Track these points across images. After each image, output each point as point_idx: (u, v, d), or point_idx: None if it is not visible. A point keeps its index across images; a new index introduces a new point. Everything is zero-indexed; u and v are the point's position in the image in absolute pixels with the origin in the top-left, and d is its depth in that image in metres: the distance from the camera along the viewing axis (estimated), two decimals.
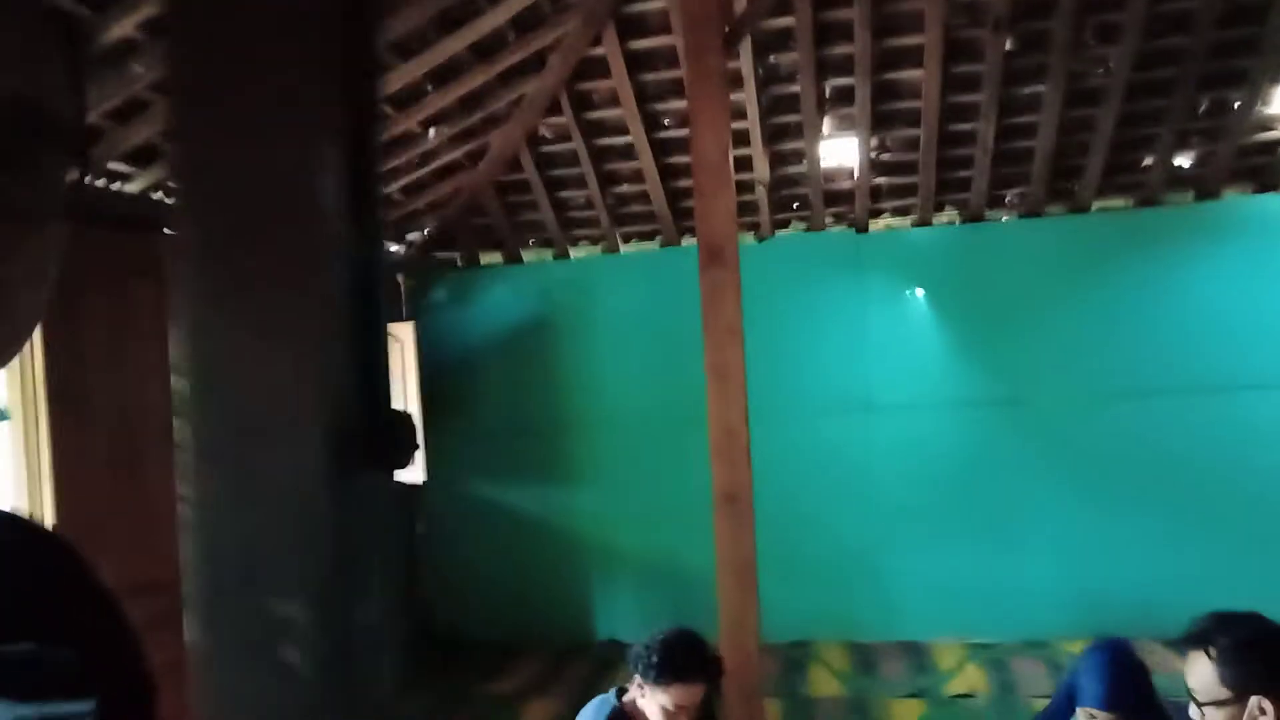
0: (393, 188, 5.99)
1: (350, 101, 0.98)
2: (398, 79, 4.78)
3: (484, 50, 5.01)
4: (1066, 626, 6.09)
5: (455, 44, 4.75)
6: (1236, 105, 5.50)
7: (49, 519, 3.90)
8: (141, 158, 4.49)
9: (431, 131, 5.53)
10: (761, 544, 6.60)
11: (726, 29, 4.17)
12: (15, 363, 3.88)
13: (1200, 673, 1.83)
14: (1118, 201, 6.29)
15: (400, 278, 7.24)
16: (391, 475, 1.08)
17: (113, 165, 4.36)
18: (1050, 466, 6.36)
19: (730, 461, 4.23)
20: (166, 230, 4.70)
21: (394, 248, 7.10)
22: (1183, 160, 5.93)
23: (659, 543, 6.77)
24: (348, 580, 0.92)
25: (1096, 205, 6.30)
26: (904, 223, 6.58)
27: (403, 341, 6.55)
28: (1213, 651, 1.81)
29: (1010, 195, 6.34)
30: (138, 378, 4.35)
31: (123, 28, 3.52)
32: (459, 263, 7.31)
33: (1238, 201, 6.12)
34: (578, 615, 7.09)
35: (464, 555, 7.20)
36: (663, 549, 6.70)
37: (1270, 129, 5.69)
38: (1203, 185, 6.07)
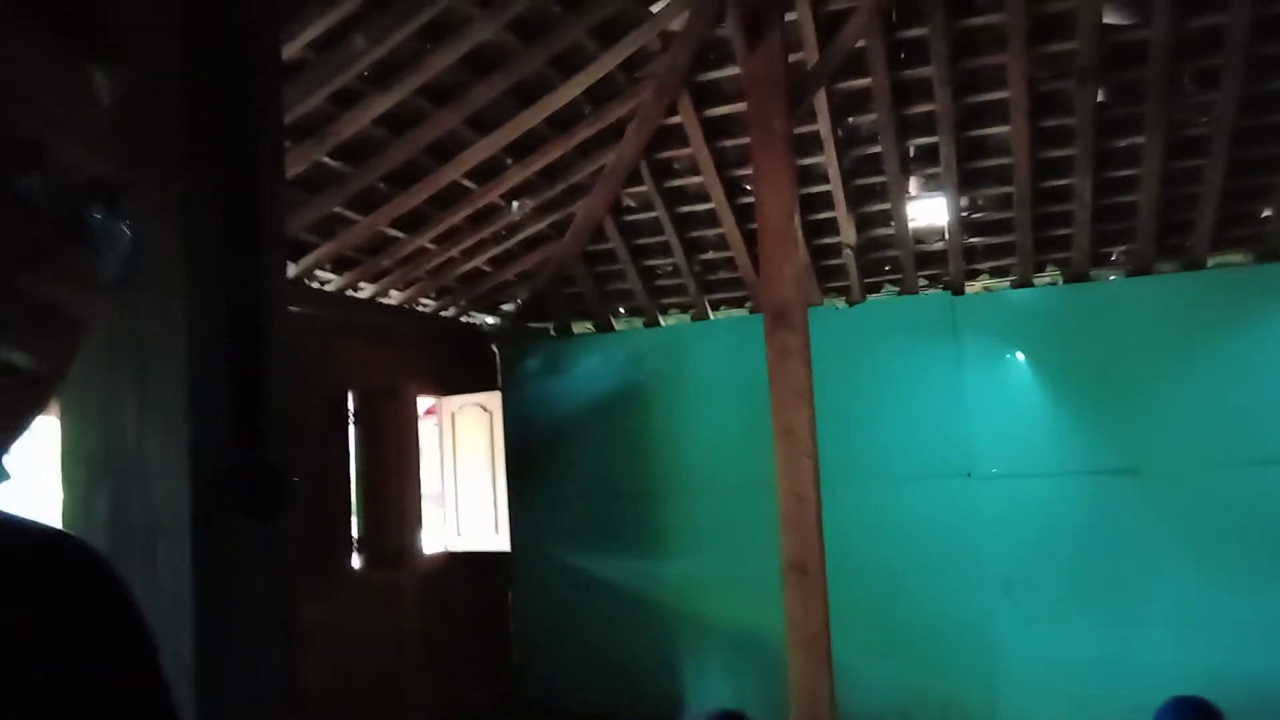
0: (480, 260, 6.14)
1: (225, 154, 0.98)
2: (476, 154, 4.93)
3: (561, 123, 5.12)
4: None
5: (533, 116, 4.86)
6: None
7: None
8: None
9: (515, 204, 5.65)
10: (858, 616, 6.40)
11: (791, 93, 4.15)
12: None
13: None
14: (1235, 256, 5.90)
15: (495, 348, 7.39)
16: (267, 522, 1.06)
17: None
18: (1167, 539, 5.91)
19: (799, 530, 4.09)
20: None
21: (489, 319, 7.26)
22: None
23: (747, 612, 6.56)
24: (203, 629, 0.89)
25: (1212, 261, 5.93)
26: (1002, 284, 6.33)
27: (491, 411, 6.64)
28: None
29: (1116, 253, 6.03)
30: None
31: None
32: (552, 332, 7.41)
33: None
34: (666, 686, 6.92)
35: (551, 623, 7.16)
36: (751, 618, 6.49)
37: None
38: None
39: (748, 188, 5.92)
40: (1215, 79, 4.84)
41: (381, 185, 4.89)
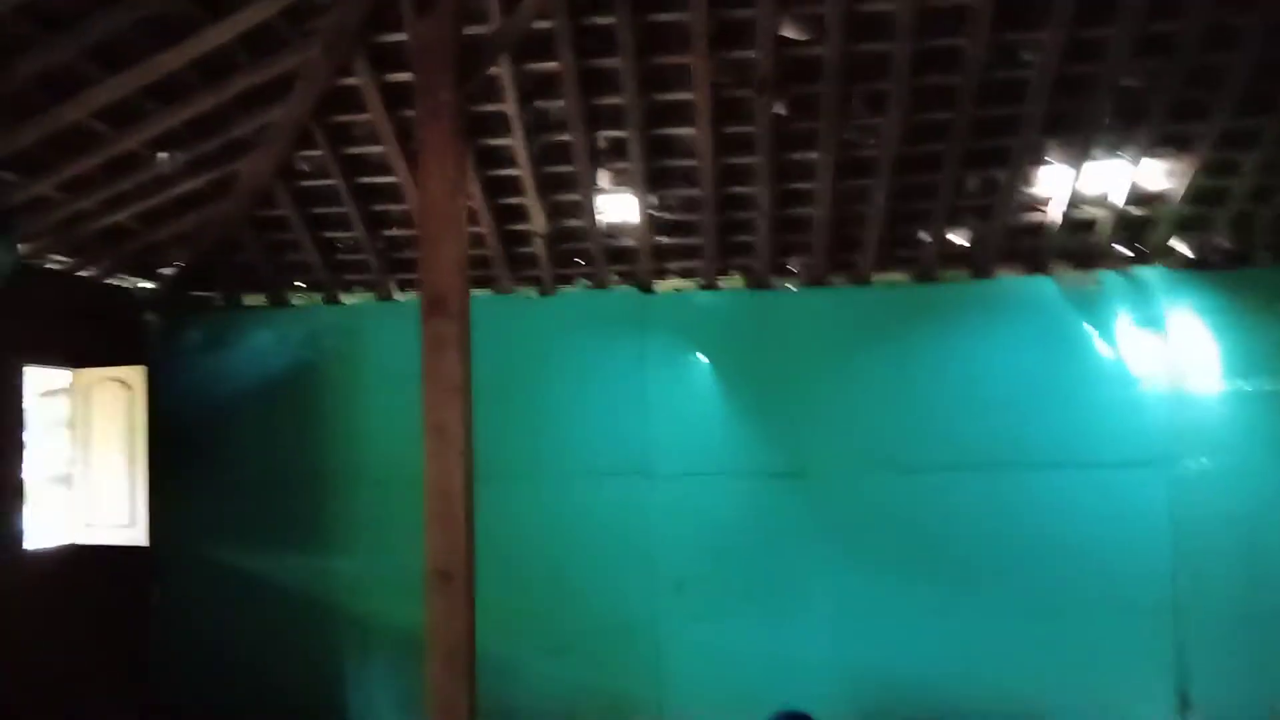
0: (122, 215, 5.39)
1: None
2: (104, 93, 4.26)
3: (213, 70, 4.53)
4: (840, 702, 5.89)
5: (175, 58, 4.26)
6: (1000, 184, 5.54)
7: None
8: None
9: (161, 155, 4.98)
10: (528, 617, 6.26)
11: (463, 64, 3.86)
12: None
13: None
14: (898, 275, 6.27)
15: (148, 316, 6.57)
16: None
17: None
18: (827, 539, 6.20)
19: (446, 535, 3.83)
20: None
21: (142, 284, 6.44)
22: (957, 238, 5.95)
23: (419, 614, 6.24)
24: None
25: (877, 278, 6.27)
26: (691, 285, 6.39)
27: (135, 388, 5.87)
28: None
29: (794, 263, 6.23)
30: None
31: None
32: (219, 303, 6.70)
33: (1010, 282, 6.19)
34: (328, 695, 6.45)
35: (199, 624, 6.47)
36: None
37: (1035, 210, 5.77)
38: (976, 264, 6.12)
39: None
40: (883, 104, 5.06)
41: None
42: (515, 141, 5.31)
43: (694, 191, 5.66)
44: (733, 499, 6.29)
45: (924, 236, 5.95)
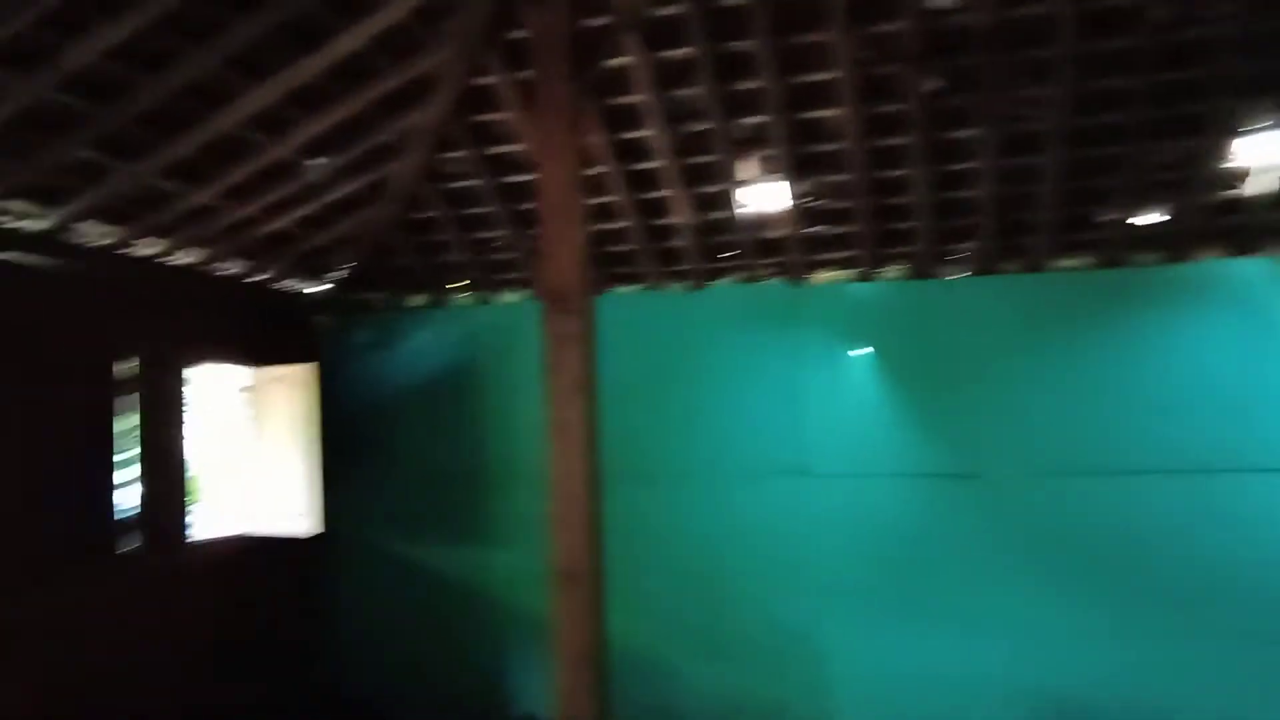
0: (283, 222, 5.62)
1: None
2: (251, 102, 4.42)
3: (351, 75, 4.62)
4: None
5: (314, 64, 4.36)
6: (1196, 156, 4.92)
7: None
8: None
9: (312, 162, 5.15)
10: (685, 619, 6.11)
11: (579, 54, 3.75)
12: None
13: None
14: (1076, 261, 5.71)
15: (316, 319, 6.88)
16: None
17: None
18: (1004, 548, 5.74)
19: (570, 534, 3.73)
20: None
21: (312, 288, 6.75)
22: (1145, 217, 5.34)
23: None
24: None
25: (1053, 264, 5.73)
26: (846, 277, 6.05)
27: (304, 384, 6.14)
28: None
29: (959, 250, 5.79)
30: None
31: None
32: (383, 304, 6.93)
33: (1211, 265, 5.52)
34: (491, 687, 6.55)
35: (369, 613, 6.72)
36: None
37: (1237, 183, 5.09)
38: (1171, 245, 5.48)
39: None
40: (1048, 72, 4.58)
41: (136, 129, 4.34)
42: (655, 133, 5.16)
43: (843, 177, 5.33)
44: (896, 502, 5.92)
45: (1107, 217, 5.38)
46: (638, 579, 6.18)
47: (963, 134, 4.99)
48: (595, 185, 5.60)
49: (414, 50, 4.67)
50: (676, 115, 5.10)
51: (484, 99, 5.15)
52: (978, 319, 5.82)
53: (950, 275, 5.89)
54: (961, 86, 4.71)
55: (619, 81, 4.88)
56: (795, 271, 6.04)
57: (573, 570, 3.75)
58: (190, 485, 5.67)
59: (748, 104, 4.97)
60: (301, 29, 4.21)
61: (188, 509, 5.56)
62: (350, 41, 4.31)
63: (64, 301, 4.90)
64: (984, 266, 5.80)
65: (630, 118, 5.14)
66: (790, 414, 6.07)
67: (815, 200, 5.56)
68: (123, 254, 5.18)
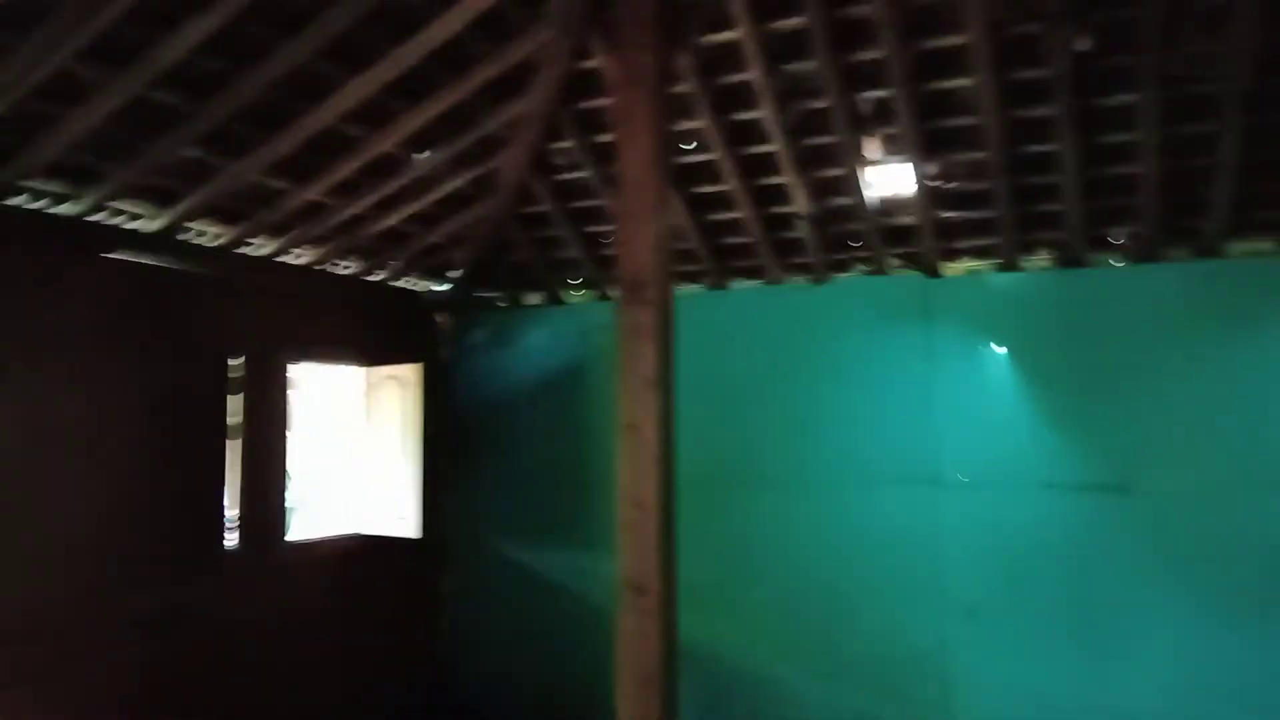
0: (395, 219, 5.56)
1: None
2: (350, 94, 4.33)
3: (450, 62, 4.49)
4: None
5: (412, 52, 4.23)
6: None
7: None
8: (82, 178, 4.25)
9: (417, 156, 5.06)
10: (801, 636, 5.72)
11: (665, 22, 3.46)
12: None
13: None
14: (1259, 243, 5.00)
15: (436, 317, 6.84)
16: None
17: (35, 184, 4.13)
18: (1160, 568, 5.10)
19: (638, 543, 3.44)
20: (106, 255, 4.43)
21: (432, 286, 6.72)
22: None
23: (692, 622, 5.93)
24: None
25: (1230, 248, 5.04)
26: (984, 266, 5.52)
27: (415, 383, 6.10)
28: None
29: (1116, 235, 5.17)
30: (32, 403, 4.08)
31: None
32: (501, 302, 6.84)
33: None
34: (599, 698, 6.31)
35: (485, 618, 6.63)
36: (696, 628, 5.83)
37: None
38: None
39: (684, 146, 5.22)
40: (1221, 24, 3.98)
41: (237, 125, 4.33)
42: (768, 113, 4.81)
43: (979, 155, 4.83)
44: (1038, 514, 5.35)
45: None
46: (749, 591, 5.85)
47: (1119, 100, 4.41)
48: (708, 173, 5.31)
49: (513, 34, 4.50)
50: (791, 92, 4.73)
51: (589, 84, 4.93)
52: (1136, 312, 5.18)
53: (1104, 263, 5.27)
54: (1117, 44, 4.16)
55: (728, 58, 4.56)
56: (928, 261, 5.55)
57: (640, 582, 3.46)
58: (291, 484, 5.68)
59: (869, 77, 4.56)
60: (395, 17, 4.09)
61: (288, 507, 5.57)
62: (446, 27, 4.16)
63: (180, 300, 4.97)
64: (1144, 253, 5.17)
65: (741, 98, 4.81)
66: (921, 417, 5.58)
67: (948, 182, 5.07)
68: (238, 253, 5.23)
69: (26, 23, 3.32)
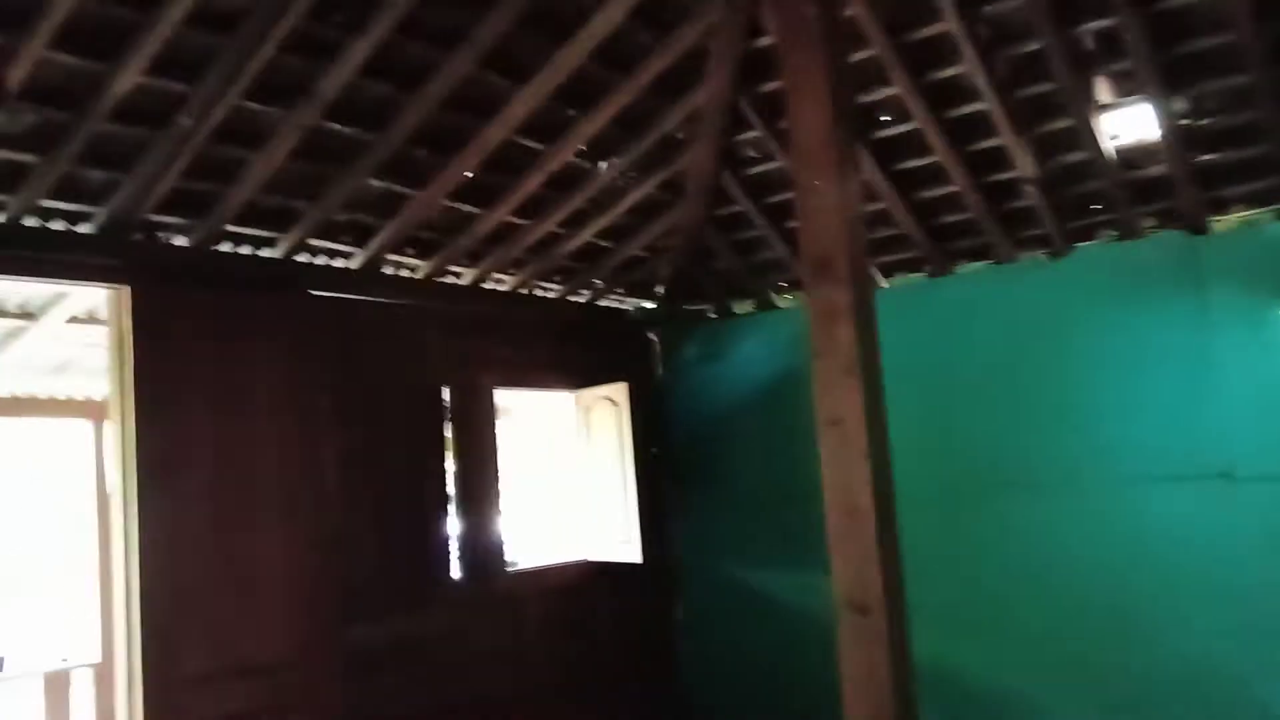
0: (587, 234, 5.43)
1: None
2: (518, 106, 4.24)
3: (614, 58, 4.29)
4: None
5: (574, 52, 4.08)
6: None
7: (135, 592, 3.80)
8: (277, 220, 4.41)
9: (600, 164, 4.91)
10: (1079, 665, 4.95)
11: None
12: (112, 428, 3.87)
13: None
14: None
15: (650, 335, 6.68)
16: None
17: (239, 228, 4.31)
18: None
19: (853, 555, 3.01)
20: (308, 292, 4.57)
21: (640, 304, 6.57)
22: None
23: (937, 645, 5.31)
24: None
25: None
26: (1263, 214, 4.63)
27: (623, 404, 5.92)
28: None
29: None
30: (245, 444, 4.20)
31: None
32: (711, 313, 6.57)
33: None
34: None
35: (720, 645, 6.32)
36: (942, 653, 5.21)
37: None
38: None
39: (883, 119, 4.75)
40: None
41: (415, 151, 4.34)
42: (972, 67, 4.26)
43: (1238, 79, 4.03)
44: None
45: None
46: (1010, 609, 5.17)
47: None
48: (913, 144, 4.80)
49: (678, 20, 4.25)
50: (997, 38, 4.16)
51: (768, 63, 4.58)
52: None
53: None
54: None
55: (917, 4, 4.07)
56: (1190, 216, 4.72)
57: (860, 601, 3.00)
58: (507, 511, 5.63)
59: (1088, 6, 3.91)
60: (550, 19, 3.96)
61: (504, 536, 5.51)
62: (606, 21, 3.98)
63: (387, 334, 5.06)
64: None
65: (937, 51, 4.29)
66: (1200, 401, 4.73)
67: (1203, 118, 4.28)
68: (439, 282, 5.29)
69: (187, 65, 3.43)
